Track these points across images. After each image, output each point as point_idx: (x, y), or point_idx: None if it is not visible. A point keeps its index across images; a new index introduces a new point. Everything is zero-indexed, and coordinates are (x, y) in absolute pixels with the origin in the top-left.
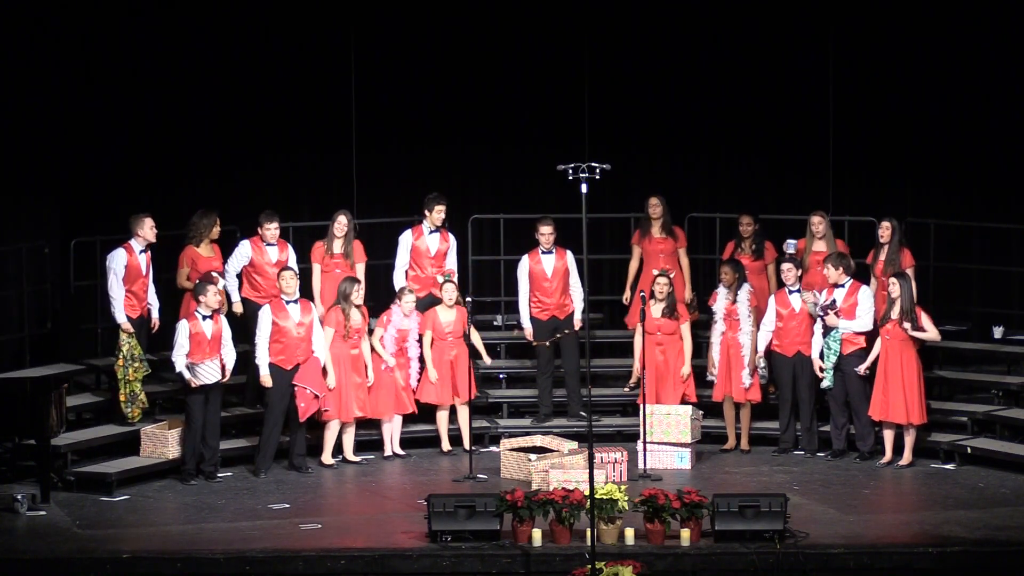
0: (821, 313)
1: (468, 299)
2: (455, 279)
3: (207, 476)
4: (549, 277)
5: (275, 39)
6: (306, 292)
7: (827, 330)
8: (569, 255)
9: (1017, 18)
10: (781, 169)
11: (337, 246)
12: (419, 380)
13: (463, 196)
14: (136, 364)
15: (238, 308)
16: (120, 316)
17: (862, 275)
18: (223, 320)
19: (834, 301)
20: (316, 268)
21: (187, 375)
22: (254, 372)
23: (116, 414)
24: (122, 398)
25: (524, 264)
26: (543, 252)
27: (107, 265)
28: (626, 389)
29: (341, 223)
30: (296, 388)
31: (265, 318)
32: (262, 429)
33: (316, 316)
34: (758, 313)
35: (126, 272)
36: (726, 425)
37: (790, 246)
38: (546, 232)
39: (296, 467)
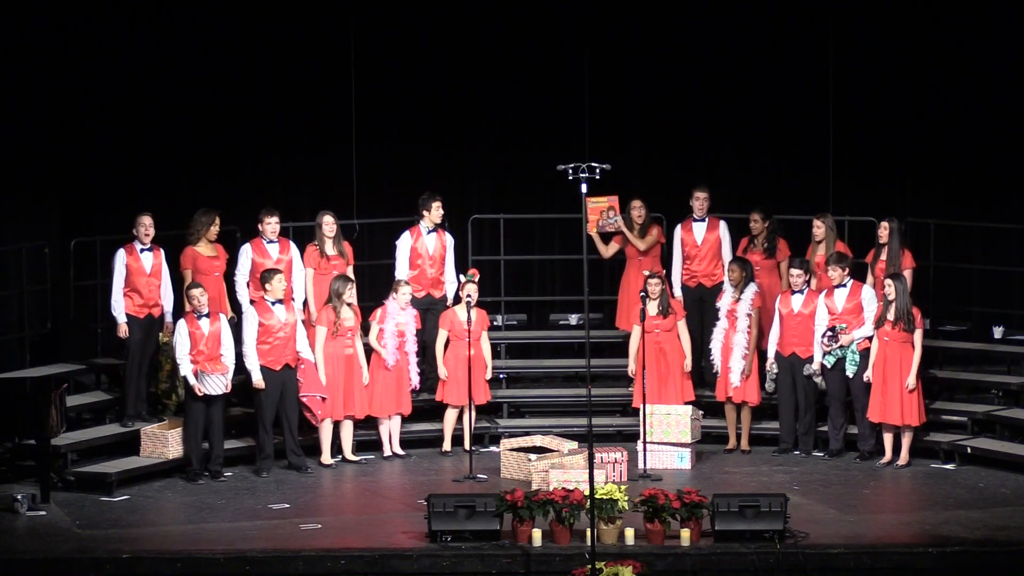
0: (832, 344)
1: (471, 275)
2: (477, 279)
3: (213, 475)
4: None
5: (275, 38)
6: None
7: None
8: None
9: (1017, 18)
10: (781, 169)
11: (330, 247)
12: (419, 377)
13: (463, 196)
14: (167, 362)
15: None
16: (118, 315)
17: (861, 274)
18: (222, 320)
19: (833, 329)
20: (309, 272)
21: (193, 381)
22: (247, 375)
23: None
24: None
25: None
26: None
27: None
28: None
29: (329, 223)
30: (305, 400)
31: (251, 320)
32: (256, 431)
33: (298, 317)
34: (765, 313)
35: (127, 271)
36: (727, 425)
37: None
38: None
39: (296, 467)
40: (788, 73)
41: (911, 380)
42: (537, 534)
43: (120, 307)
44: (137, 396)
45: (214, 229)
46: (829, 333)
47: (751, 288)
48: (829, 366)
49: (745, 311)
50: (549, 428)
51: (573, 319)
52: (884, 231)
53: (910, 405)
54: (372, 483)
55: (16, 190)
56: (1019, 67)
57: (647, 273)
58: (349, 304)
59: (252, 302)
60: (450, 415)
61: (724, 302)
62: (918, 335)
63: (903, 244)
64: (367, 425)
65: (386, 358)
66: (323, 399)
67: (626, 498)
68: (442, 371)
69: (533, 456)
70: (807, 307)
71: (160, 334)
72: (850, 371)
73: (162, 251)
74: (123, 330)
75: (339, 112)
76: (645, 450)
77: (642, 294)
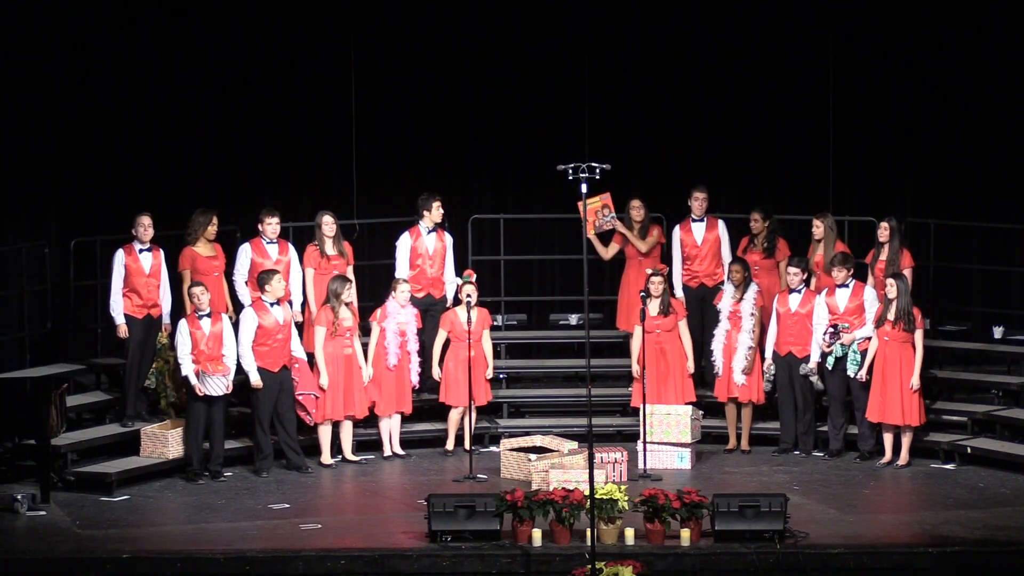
0: (834, 341)
1: (467, 276)
2: (474, 279)
3: (213, 475)
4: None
5: (275, 39)
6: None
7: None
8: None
9: (1017, 18)
10: (781, 169)
11: (330, 247)
12: (419, 376)
13: (463, 196)
14: (159, 361)
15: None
16: (116, 316)
17: (861, 274)
18: (224, 320)
19: (836, 327)
20: (310, 272)
21: (194, 381)
22: (246, 375)
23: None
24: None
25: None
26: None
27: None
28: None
29: (329, 223)
30: (301, 398)
31: (250, 321)
32: (254, 432)
33: (292, 319)
34: (765, 313)
35: (125, 272)
36: (727, 425)
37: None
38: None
39: (295, 466)
40: (788, 73)
41: (915, 380)
42: (537, 534)
43: (119, 308)
44: (137, 396)
45: (212, 229)
46: (831, 330)
47: (753, 288)
48: (829, 367)
49: (749, 311)
50: (549, 428)
51: (573, 319)
52: (884, 231)
53: (910, 405)
54: (372, 483)
55: (16, 190)
56: (1019, 67)
57: (650, 271)
58: (347, 304)
59: (251, 302)
60: (454, 415)
61: (725, 303)
62: (919, 335)
63: (903, 244)
64: (367, 425)
65: (389, 360)
66: (316, 398)
67: (626, 498)
68: (436, 372)
69: (533, 456)
70: (804, 307)
71: (158, 335)
72: (851, 371)
73: (161, 251)
74: (122, 330)
75: (339, 112)
76: (645, 450)
77: (642, 293)
